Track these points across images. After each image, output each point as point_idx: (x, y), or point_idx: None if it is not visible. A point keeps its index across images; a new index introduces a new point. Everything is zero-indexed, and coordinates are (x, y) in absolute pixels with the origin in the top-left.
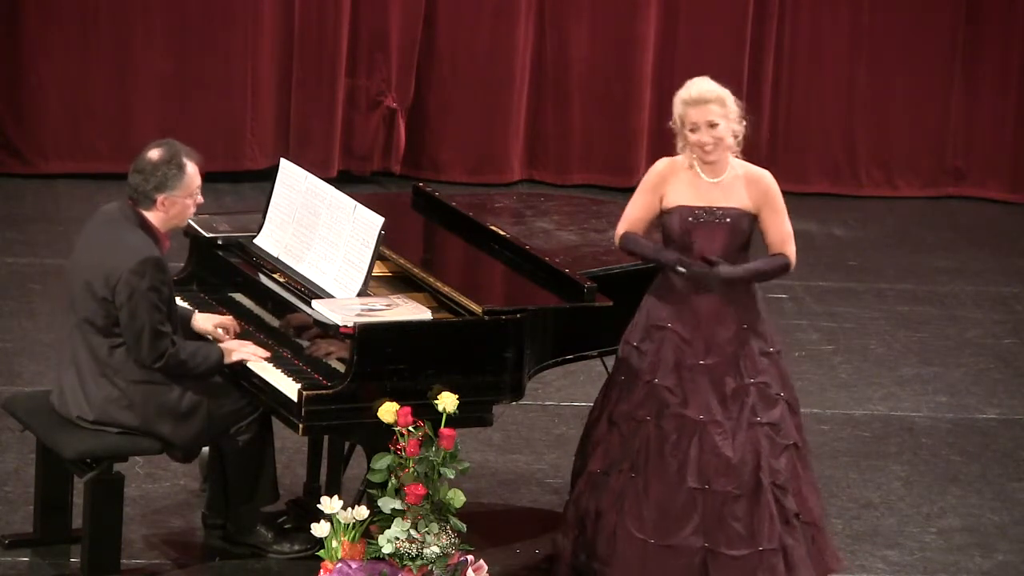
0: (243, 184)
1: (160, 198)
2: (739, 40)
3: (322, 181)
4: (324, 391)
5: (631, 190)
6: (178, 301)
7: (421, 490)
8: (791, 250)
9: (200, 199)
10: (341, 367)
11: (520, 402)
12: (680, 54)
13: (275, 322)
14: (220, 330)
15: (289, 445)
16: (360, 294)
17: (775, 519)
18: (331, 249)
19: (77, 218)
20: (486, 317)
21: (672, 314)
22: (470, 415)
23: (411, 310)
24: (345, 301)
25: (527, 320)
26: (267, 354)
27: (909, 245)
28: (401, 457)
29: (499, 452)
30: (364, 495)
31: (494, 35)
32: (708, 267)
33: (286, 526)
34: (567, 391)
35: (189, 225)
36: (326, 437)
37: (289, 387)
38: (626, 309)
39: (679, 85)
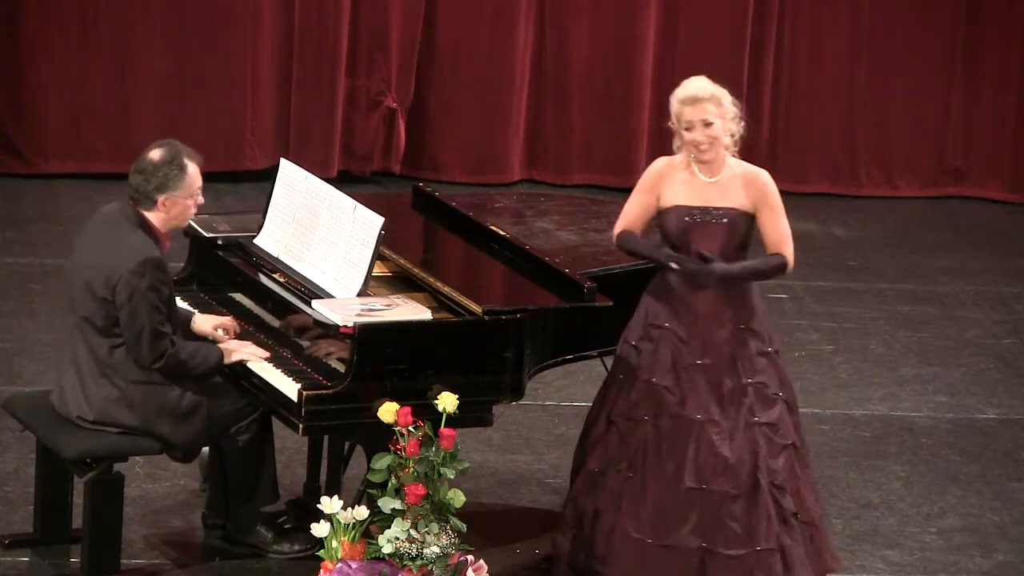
0: (243, 184)
1: (161, 198)
2: (739, 40)
3: (322, 181)
4: (324, 391)
5: (631, 190)
6: (178, 302)
7: (421, 490)
8: (789, 250)
9: (201, 200)
10: (341, 367)
11: (520, 402)
12: (680, 54)
13: (275, 322)
14: (220, 331)
15: (289, 445)
16: (360, 294)
17: (773, 519)
18: (331, 249)
19: (77, 218)
20: (486, 317)
21: (670, 314)
22: (470, 415)
23: (411, 310)
24: (345, 301)
25: (527, 320)
26: (267, 354)
27: (909, 245)
28: (401, 457)
29: (499, 452)
30: (364, 495)
31: (494, 35)
32: (703, 264)
33: (286, 526)
34: (567, 391)
35: (189, 225)
36: (326, 437)
37: (289, 387)
38: (626, 309)
39: (679, 85)
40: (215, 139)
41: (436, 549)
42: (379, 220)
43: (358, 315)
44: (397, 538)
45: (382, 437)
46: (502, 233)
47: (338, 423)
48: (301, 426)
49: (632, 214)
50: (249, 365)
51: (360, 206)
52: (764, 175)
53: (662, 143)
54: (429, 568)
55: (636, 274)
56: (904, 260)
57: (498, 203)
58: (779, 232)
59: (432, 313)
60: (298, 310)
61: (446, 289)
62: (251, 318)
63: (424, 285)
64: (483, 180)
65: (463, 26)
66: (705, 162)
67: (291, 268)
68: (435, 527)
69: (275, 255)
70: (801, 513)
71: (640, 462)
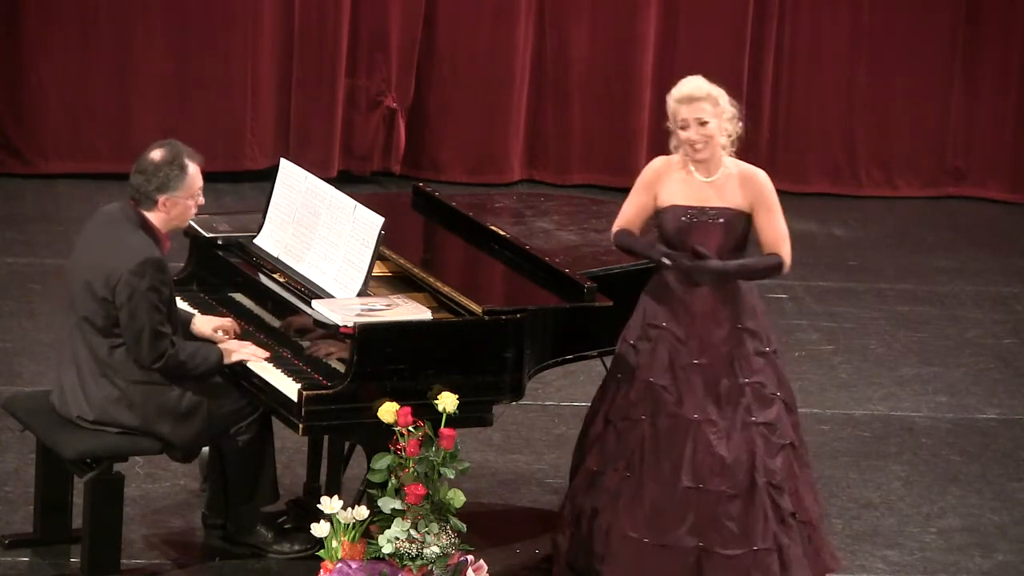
0: (243, 184)
1: (162, 199)
2: (739, 40)
3: (322, 181)
4: (324, 391)
5: (631, 190)
6: (179, 302)
7: (421, 490)
8: (786, 251)
9: (202, 200)
10: (341, 367)
11: (520, 402)
12: (680, 54)
13: (275, 322)
14: (220, 333)
15: (289, 445)
16: (360, 294)
17: (770, 519)
18: (331, 249)
19: (77, 218)
20: (486, 317)
21: (667, 314)
22: (470, 415)
23: (411, 310)
24: (345, 301)
25: (527, 320)
26: (267, 354)
27: (909, 245)
28: (401, 457)
29: (499, 452)
30: (364, 495)
31: (494, 35)
32: (697, 260)
33: (286, 526)
34: (567, 391)
35: (189, 225)
36: (326, 437)
37: (289, 387)
38: (626, 309)
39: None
40: (215, 139)
41: (436, 549)
42: (379, 220)
43: (358, 315)
44: (397, 538)
45: (382, 437)
46: (502, 233)
47: (338, 423)
48: (301, 426)
49: (630, 213)
50: (249, 365)
51: (360, 206)
52: (760, 174)
53: (662, 143)
54: (429, 568)
55: (636, 274)
56: (904, 260)
57: (498, 203)
58: (775, 232)
59: (432, 313)
60: (298, 310)
61: (446, 289)
62: (251, 318)
63: (424, 285)
64: (483, 180)
65: (463, 26)
66: (700, 161)
67: (291, 268)
68: (435, 527)
69: (275, 255)
70: (799, 513)
71: (637, 461)
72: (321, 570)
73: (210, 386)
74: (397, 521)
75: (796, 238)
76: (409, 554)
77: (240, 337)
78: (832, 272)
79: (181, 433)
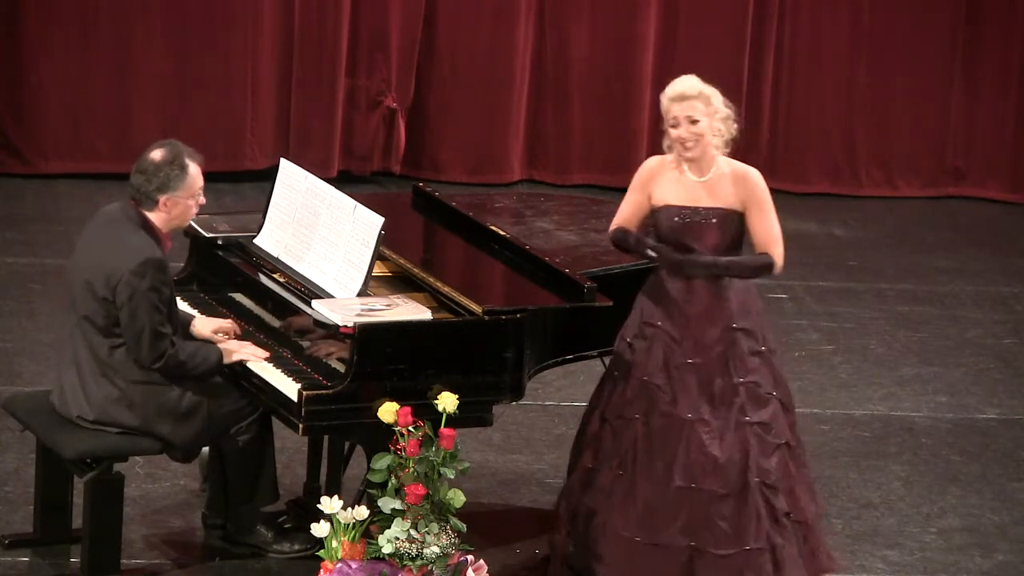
0: (243, 184)
1: (162, 199)
2: (739, 40)
3: (322, 181)
4: (324, 391)
5: None
6: (179, 303)
7: (421, 490)
8: (778, 251)
9: (202, 200)
10: (341, 367)
11: (520, 402)
12: (680, 54)
13: (275, 322)
14: (220, 334)
15: (289, 445)
16: (360, 294)
17: (763, 518)
18: (331, 249)
19: (77, 218)
20: (486, 317)
21: (663, 314)
22: (470, 415)
23: (411, 310)
24: (345, 301)
25: (527, 320)
26: (267, 354)
27: (909, 245)
28: (401, 457)
29: (499, 452)
30: (364, 495)
31: (494, 35)
32: (684, 254)
33: (286, 526)
34: (567, 391)
35: (189, 225)
36: (326, 437)
37: (289, 387)
38: (626, 309)
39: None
40: (215, 139)
41: (436, 549)
42: (379, 220)
43: (358, 315)
44: (397, 538)
45: (382, 437)
46: (502, 233)
47: (338, 423)
48: (301, 426)
49: (626, 212)
50: (249, 365)
51: (360, 206)
52: (753, 173)
53: (662, 143)
54: (429, 568)
55: (636, 274)
56: (904, 260)
57: (498, 203)
58: (767, 231)
59: (432, 313)
60: (298, 310)
61: (446, 289)
62: (251, 318)
63: (424, 285)
64: (483, 180)
65: (463, 26)
66: (690, 160)
67: (291, 268)
68: (435, 527)
69: (275, 255)
70: (795, 513)
71: (631, 460)
72: (321, 570)
73: (210, 386)
74: (397, 521)
75: (796, 238)
76: (409, 554)
77: (240, 337)
78: (832, 272)
79: (181, 433)
